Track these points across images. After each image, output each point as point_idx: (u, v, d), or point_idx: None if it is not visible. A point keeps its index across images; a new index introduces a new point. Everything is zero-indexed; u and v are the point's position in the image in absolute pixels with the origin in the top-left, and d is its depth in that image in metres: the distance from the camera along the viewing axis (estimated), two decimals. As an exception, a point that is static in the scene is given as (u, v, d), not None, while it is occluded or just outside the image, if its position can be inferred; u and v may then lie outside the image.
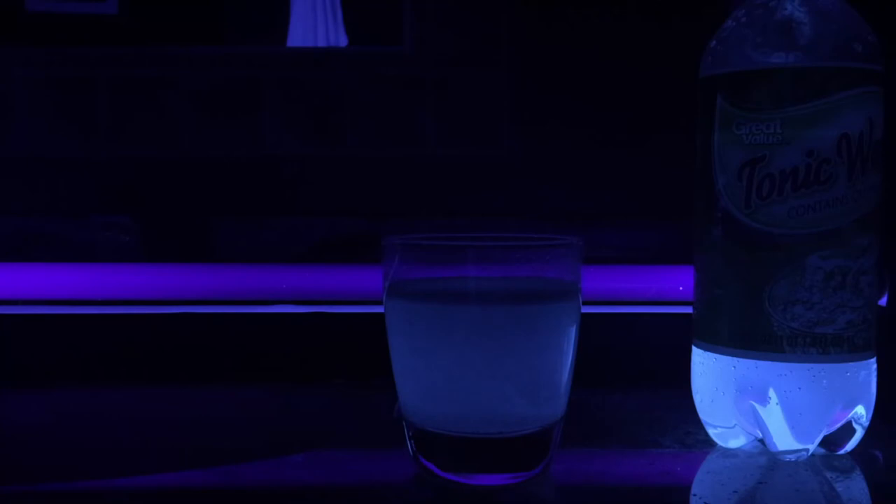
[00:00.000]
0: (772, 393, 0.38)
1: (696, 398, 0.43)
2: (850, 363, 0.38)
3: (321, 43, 0.75)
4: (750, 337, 0.39)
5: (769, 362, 0.38)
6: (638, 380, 0.52)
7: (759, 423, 0.39)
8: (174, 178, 0.69)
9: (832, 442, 0.40)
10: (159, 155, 0.69)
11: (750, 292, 0.38)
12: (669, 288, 0.61)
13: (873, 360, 0.40)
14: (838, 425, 0.39)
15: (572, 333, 0.37)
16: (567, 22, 0.67)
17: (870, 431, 0.40)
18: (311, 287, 0.62)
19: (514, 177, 0.68)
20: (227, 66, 0.70)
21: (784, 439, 0.39)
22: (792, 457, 0.39)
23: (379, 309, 0.39)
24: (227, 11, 0.73)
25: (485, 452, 0.36)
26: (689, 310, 0.43)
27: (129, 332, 0.57)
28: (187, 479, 0.38)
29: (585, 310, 0.38)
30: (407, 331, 0.37)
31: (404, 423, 0.38)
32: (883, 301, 0.47)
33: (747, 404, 0.39)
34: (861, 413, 0.39)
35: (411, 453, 0.38)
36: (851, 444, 0.40)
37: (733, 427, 0.41)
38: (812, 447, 0.39)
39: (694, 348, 0.42)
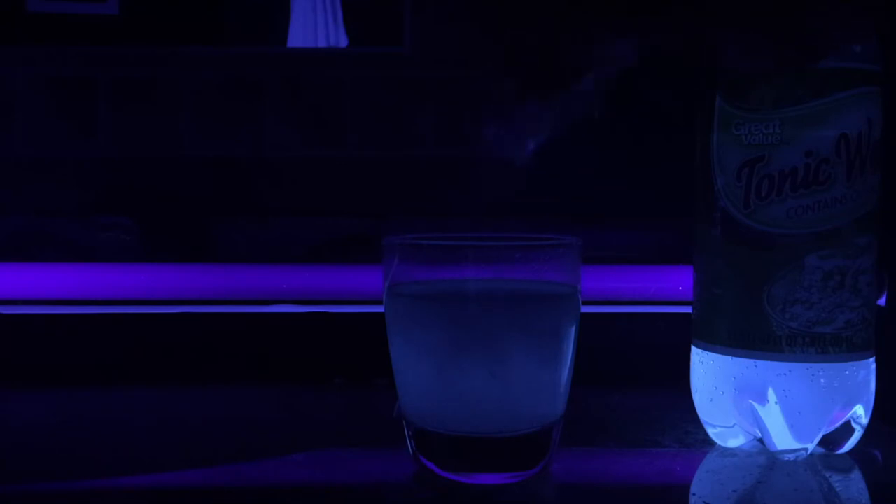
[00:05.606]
0: (771, 392, 0.38)
1: (696, 398, 0.43)
2: (849, 363, 0.38)
3: (321, 43, 0.75)
4: (749, 336, 0.39)
5: (768, 362, 0.38)
6: (637, 380, 0.52)
7: (758, 422, 0.39)
8: (174, 178, 0.69)
9: (831, 441, 0.40)
10: (159, 155, 0.69)
11: (749, 292, 0.39)
12: (669, 288, 0.61)
13: (872, 359, 0.40)
14: (837, 425, 0.39)
15: (572, 333, 0.37)
16: (566, 22, 0.67)
17: (869, 431, 0.40)
18: (311, 287, 0.62)
19: (515, 177, 0.68)
20: (227, 66, 0.70)
21: (783, 439, 0.39)
22: (791, 456, 0.39)
23: (379, 309, 0.39)
24: (227, 12, 0.73)
25: (484, 452, 0.36)
26: (688, 310, 0.43)
27: (129, 331, 0.57)
28: (188, 479, 0.38)
29: (585, 310, 0.38)
30: (407, 331, 0.37)
31: (404, 423, 0.38)
32: (882, 301, 0.47)
33: (746, 404, 0.39)
34: (860, 413, 0.39)
35: (411, 453, 0.38)
36: (850, 443, 0.40)
37: (732, 426, 0.41)
38: (811, 446, 0.39)
39: (693, 348, 0.42)
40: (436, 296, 0.36)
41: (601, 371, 0.47)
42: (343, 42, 0.76)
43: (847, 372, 0.38)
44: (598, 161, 0.67)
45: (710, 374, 0.41)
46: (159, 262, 0.64)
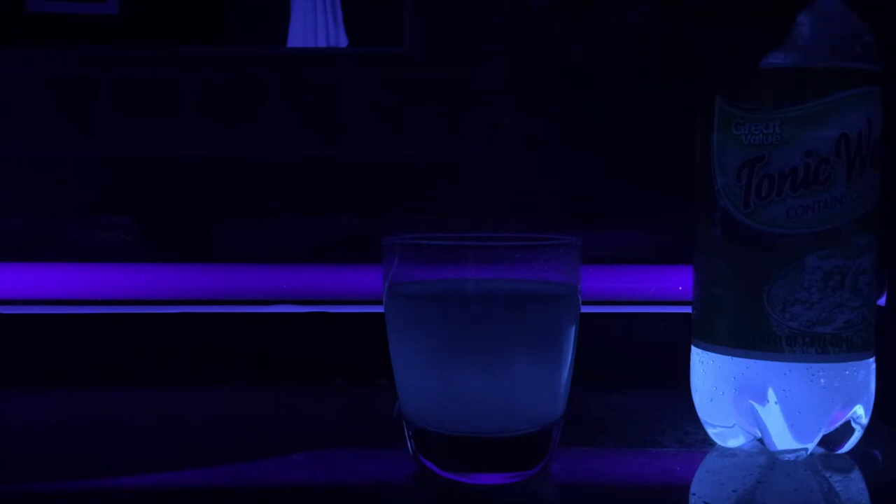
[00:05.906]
0: (771, 392, 0.38)
1: (696, 398, 0.43)
2: (849, 363, 0.38)
3: (321, 43, 0.76)
4: (749, 336, 0.39)
5: (768, 362, 0.38)
6: (637, 380, 0.52)
7: (758, 422, 0.39)
8: (174, 178, 0.69)
9: (831, 441, 0.40)
10: (159, 155, 0.69)
11: (749, 292, 0.39)
12: (669, 288, 0.61)
13: (872, 359, 0.40)
14: (837, 425, 0.39)
15: (572, 333, 0.37)
16: (565, 22, 0.67)
17: (869, 431, 0.40)
18: (311, 287, 0.62)
19: (515, 177, 0.68)
20: (227, 66, 0.70)
21: (783, 439, 0.39)
22: (791, 456, 0.39)
23: (379, 309, 0.39)
24: (227, 12, 0.73)
25: (484, 452, 0.36)
26: (688, 310, 0.43)
27: (129, 332, 0.57)
28: (188, 479, 0.38)
29: (585, 310, 0.38)
30: (407, 330, 0.37)
31: (404, 423, 0.38)
32: (882, 301, 0.48)
33: (746, 404, 0.39)
34: (860, 413, 0.39)
35: (411, 453, 0.38)
36: (850, 443, 0.40)
37: (732, 426, 0.41)
38: (811, 446, 0.39)
39: (693, 348, 0.42)
40: (436, 296, 0.36)
41: (601, 371, 0.47)
42: (343, 42, 0.77)
43: (847, 372, 0.38)
44: (599, 161, 0.67)
45: (710, 374, 0.41)
46: (159, 262, 0.64)
